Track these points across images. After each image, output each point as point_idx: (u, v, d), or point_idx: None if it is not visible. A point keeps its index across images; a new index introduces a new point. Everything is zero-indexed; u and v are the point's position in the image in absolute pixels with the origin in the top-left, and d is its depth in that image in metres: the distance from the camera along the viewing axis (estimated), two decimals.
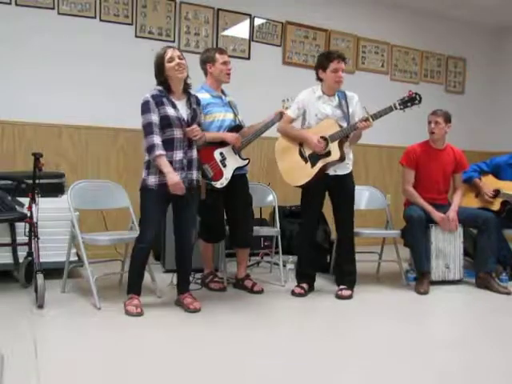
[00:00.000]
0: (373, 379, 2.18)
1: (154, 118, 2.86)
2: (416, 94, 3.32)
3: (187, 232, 3.07)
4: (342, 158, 3.33)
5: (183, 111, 2.96)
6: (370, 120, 3.24)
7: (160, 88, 2.95)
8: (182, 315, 2.94)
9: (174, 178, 2.83)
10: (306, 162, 3.39)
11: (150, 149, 2.84)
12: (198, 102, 3.11)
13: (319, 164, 3.34)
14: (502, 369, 2.34)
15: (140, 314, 2.85)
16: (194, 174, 3.02)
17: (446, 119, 3.83)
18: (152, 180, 2.91)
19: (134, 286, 2.97)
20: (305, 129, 3.46)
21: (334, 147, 3.31)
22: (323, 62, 3.37)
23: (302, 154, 3.42)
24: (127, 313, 2.85)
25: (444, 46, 6.20)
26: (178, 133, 2.91)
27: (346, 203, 3.47)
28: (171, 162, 2.88)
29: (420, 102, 3.31)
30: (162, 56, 2.91)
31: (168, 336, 2.63)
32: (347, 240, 3.50)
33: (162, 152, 2.84)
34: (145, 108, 2.89)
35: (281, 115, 3.46)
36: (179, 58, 2.91)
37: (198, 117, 3.06)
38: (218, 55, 3.42)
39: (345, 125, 3.34)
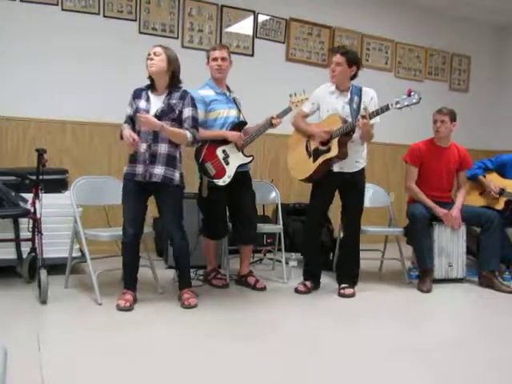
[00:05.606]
0: (374, 378, 2.18)
1: (128, 110, 3.05)
2: (415, 93, 3.13)
3: (173, 230, 3.00)
4: (340, 156, 3.27)
5: (155, 106, 2.98)
6: (367, 117, 3.17)
7: (149, 83, 3.06)
8: (182, 312, 2.94)
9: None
10: (310, 156, 3.40)
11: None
12: (182, 96, 3.00)
13: (319, 160, 3.34)
14: (503, 368, 2.33)
15: (129, 309, 2.87)
16: (159, 170, 2.94)
17: (452, 118, 3.80)
18: (125, 169, 3.04)
19: (126, 281, 3.02)
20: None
21: (333, 144, 3.29)
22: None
23: (307, 149, 3.43)
24: (116, 306, 2.88)
25: (448, 43, 6.17)
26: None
27: (353, 203, 3.45)
28: (137, 153, 2.97)
29: (418, 102, 3.13)
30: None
31: (168, 332, 2.63)
32: (352, 240, 3.50)
33: (125, 125, 3.03)
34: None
35: (270, 122, 3.37)
36: (154, 54, 2.95)
37: (176, 111, 2.96)
38: (211, 52, 3.45)
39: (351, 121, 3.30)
